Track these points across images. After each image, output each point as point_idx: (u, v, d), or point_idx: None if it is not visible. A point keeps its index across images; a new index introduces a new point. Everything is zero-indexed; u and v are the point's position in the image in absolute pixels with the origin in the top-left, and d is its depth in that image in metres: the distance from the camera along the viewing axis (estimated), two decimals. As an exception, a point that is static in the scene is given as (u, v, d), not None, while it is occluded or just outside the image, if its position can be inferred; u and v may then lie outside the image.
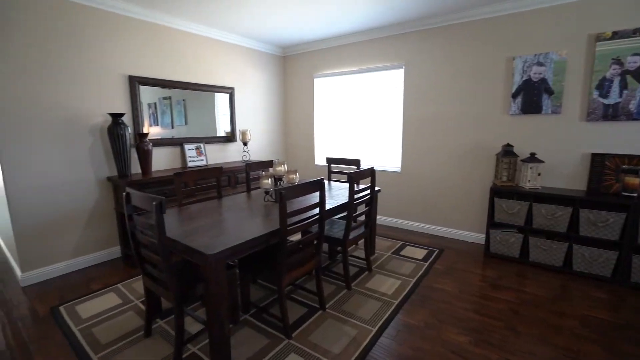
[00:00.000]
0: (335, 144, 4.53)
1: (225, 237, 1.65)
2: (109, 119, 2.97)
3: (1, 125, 2.39)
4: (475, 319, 2.13)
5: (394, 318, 2.13)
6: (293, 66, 4.75)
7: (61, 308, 2.25)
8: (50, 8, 2.55)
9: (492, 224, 3.07)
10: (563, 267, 2.76)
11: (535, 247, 2.83)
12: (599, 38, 2.62)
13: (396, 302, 2.30)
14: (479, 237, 3.45)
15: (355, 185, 2.41)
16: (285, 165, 2.47)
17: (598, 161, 2.70)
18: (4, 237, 3.20)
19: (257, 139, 4.54)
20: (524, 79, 2.96)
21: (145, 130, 3.21)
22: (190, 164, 3.50)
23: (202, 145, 3.64)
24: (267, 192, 2.40)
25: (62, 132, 2.69)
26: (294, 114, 4.89)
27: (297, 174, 2.58)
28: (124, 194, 1.69)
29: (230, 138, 4.07)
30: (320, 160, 4.72)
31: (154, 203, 1.48)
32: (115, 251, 3.12)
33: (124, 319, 2.11)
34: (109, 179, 2.96)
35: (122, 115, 2.84)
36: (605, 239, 2.55)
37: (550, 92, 2.86)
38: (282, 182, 2.51)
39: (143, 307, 2.26)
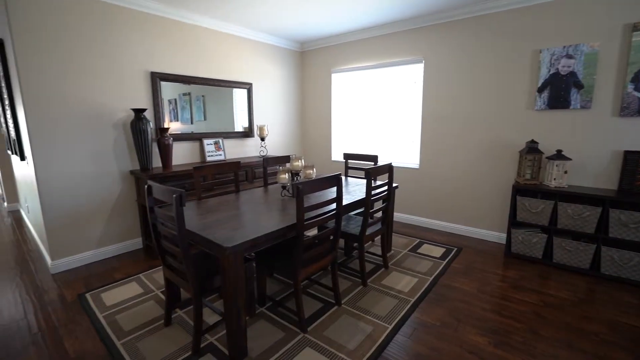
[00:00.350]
0: (352, 140, 4.49)
1: (243, 230, 1.67)
2: (132, 114, 3.05)
3: (34, 120, 2.51)
4: (494, 319, 2.08)
5: (410, 316, 2.10)
6: (310, 61, 4.74)
7: (87, 295, 2.35)
8: (79, 8, 2.64)
9: (514, 223, 2.97)
10: (590, 270, 2.64)
11: (560, 248, 2.72)
12: (636, 28, 2.46)
13: (413, 300, 2.26)
14: (499, 237, 3.35)
15: (372, 181, 2.38)
16: (303, 161, 2.47)
17: (631, 159, 2.55)
18: (36, 227, 3.37)
19: (275, 134, 4.56)
20: (551, 72, 2.83)
21: (165, 125, 3.29)
22: (209, 159, 3.56)
23: (220, 140, 3.70)
24: (284, 187, 2.41)
25: (88, 126, 2.79)
26: (311, 110, 4.88)
27: (314, 169, 2.57)
28: (146, 186, 1.74)
29: (248, 133, 4.11)
30: (337, 156, 4.70)
31: (174, 196, 1.51)
32: (136, 242, 3.22)
33: (145, 307, 2.18)
34: (132, 172, 3.05)
35: (144, 110, 2.92)
36: (638, 242, 2.42)
37: (579, 86, 2.73)
38: (299, 177, 2.51)
39: (163, 297, 2.32)
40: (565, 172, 2.76)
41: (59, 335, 1.96)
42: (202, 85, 3.56)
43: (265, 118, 4.38)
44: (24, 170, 3.32)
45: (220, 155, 3.67)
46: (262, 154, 4.13)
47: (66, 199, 2.74)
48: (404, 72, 3.84)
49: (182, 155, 3.48)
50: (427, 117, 3.69)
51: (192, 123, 3.51)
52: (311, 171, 2.56)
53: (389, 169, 2.55)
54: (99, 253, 2.97)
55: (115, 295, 2.35)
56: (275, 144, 4.58)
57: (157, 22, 3.13)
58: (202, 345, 1.80)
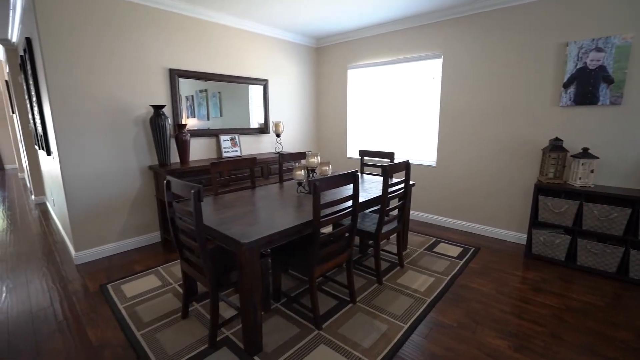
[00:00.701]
0: (367, 137, 4.45)
1: (259, 226, 1.68)
2: (151, 110, 3.11)
3: (59, 117, 2.59)
4: (514, 322, 2.02)
5: (426, 316, 2.07)
6: (326, 57, 4.70)
7: (108, 286, 2.42)
8: (102, 8, 2.70)
9: (535, 223, 2.87)
10: (617, 274, 2.53)
11: (585, 250, 2.62)
12: (673, 19, 2.32)
13: (429, 300, 2.23)
14: (519, 237, 3.25)
15: (389, 178, 2.35)
16: (319, 157, 2.46)
17: (664, 158, 2.42)
18: (61, 219, 3.50)
19: (290, 130, 4.57)
20: (578, 66, 2.71)
21: (183, 122, 3.34)
22: (225, 155, 3.60)
23: (236, 137, 3.73)
24: (300, 184, 2.40)
25: (110, 123, 2.86)
26: (326, 106, 4.85)
27: (330, 165, 2.56)
28: (165, 181, 1.77)
29: (263, 129, 4.13)
30: (352, 152, 4.67)
31: (192, 191, 1.53)
32: (155, 236, 3.30)
33: (163, 300, 2.23)
34: (150, 167, 3.12)
35: (162, 106, 2.97)
36: (670, 245, 2.30)
37: (609, 81, 2.60)
38: (315, 174, 2.51)
39: (181, 290, 2.37)
40: (592, 171, 2.64)
41: (82, 323, 2.03)
42: (219, 82, 3.59)
43: (281, 114, 4.39)
44: (50, 164, 3.45)
45: (236, 151, 3.70)
46: (277, 150, 4.14)
47: (89, 194, 2.82)
48: (421, 68, 3.76)
49: (199, 151, 3.53)
50: (445, 113, 3.61)
51: (208, 119, 3.56)
52: (327, 168, 2.55)
53: (406, 166, 2.50)
54: (120, 246, 3.06)
55: (135, 287, 2.41)
56: (290, 140, 4.59)
57: (175, 19, 3.17)
58: (218, 339, 1.83)
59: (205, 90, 3.50)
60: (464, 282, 2.50)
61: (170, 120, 3.20)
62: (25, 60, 3.49)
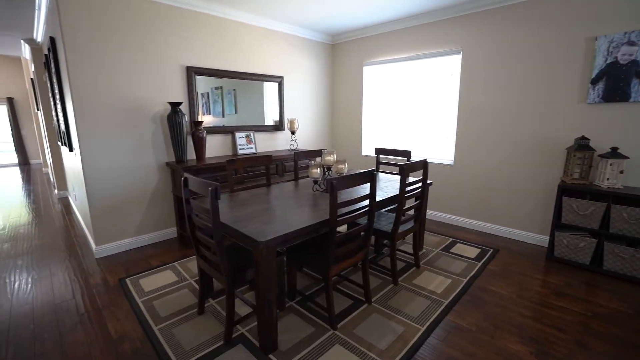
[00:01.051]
0: (383, 134, 4.39)
1: (275, 225, 1.67)
2: (169, 107, 3.15)
3: (81, 114, 2.65)
4: (535, 327, 1.95)
5: (443, 318, 2.02)
6: (342, 54, 4.65)
7: (127, 280, 2.48)
8: (123, 7, 2.74)
9: (558, 225, 2.77)
10: (646, 279, 2.41)
11: (612, 254, 2.50)
12: None
13: (446, 302, 2.18)
14: (540, 239, 3.14)
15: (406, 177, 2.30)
16: (334, 155, 2.43)
17: (702, 159, 2.28)
18: (82, 214, 3.60)
19: (304, 127, 4.55)
20: (608, 61, 2.58)
21: (200, 119, 3.37)
22: (240, 152, 3.62)
23: (251, 134, 3.74)
24: (315, 182, 2.39)
25: (129, 120, 2.91)
26: (341, 103, 4.81)
27: (346, 164, 2.53)
28: (182, 178, 1.78)
29: (278, 127, 4.13)
30: (367, 150, 4.62)
31: (210, 189, 1.53)
32: (171, 232, 3.35)
33: (180, 295, 2.27)
34: (167, 164, 3.17)
35: (180, 104, 3.00)
36: None
37: (642, 77, 2.46)
38: (330, 172, 2.48)
39: (196, 286, 2.40)
40: (621, 171, 2.52)
41: (102, 316, 2.08)
42: (234, 79, 3.60)
43: (296, 111, 4.38)
44: (72, 160, 3.55)
45: (252, 148, 3.72)
46: (292, 147, 4.13)
47: (109, 190, 2.89)
48: (439, 64, 3.67)
49: (214, 148, 3.56)
50: (463, 111, 3.51)
51: (223, 116, 3.58)
52: (343, 166, 2.52)
53: (423, 165, 2.45)
54: (137, 241, 3.12)
55: (153, 281, 2.46)
56: (305, 137, 4.57)
57: (191, 16, 3.19)
58: (233, 336, 1.84)
59: (221, 88, 3.51)
60: (483, 285, 2.44)
61: (187, 118, 3.23)
62: (49, 59, 3.59)
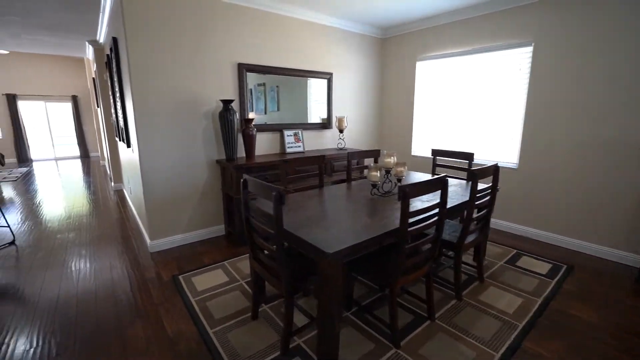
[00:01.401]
0: (436, 134, 4.11)
1: (338, 232, 1.54)
2: (220, 105, 3.15)
3: (140, 113, 2.72)
4: (637, 366, 1.66)
5: (520, 345, 1.79)
6: (393, 49, 4.43)
7: (180, 277, 2.50)
8: (181, 6, 2.76)
9: (654, 243, 2.38)
10: None
11: None
12: None
13: (520, 325, 1.94)
14: (624, 257, 2.74)
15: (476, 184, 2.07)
16: (395, 157, 2.26)
17: None
18: (138, 209, 3.74)
19: (351, 125, 4.40)
20: None
21: (250, 116, 3.34)
22: (288, 150, 3.55)
23: (299, 132, 3.66)
24: (374, 186, 2.23)
25: (182, 117, 2.95)
26: (390, 100, 4.59)
27: (406, 166, 2.35)
28: (242, 180, 1.71)
29: (325, 125, 4.02)
30: (418, 150, 4.36)
31: (274, 194, 1.44)
32: (219, 229, 3.37)
33: (232, 297, 2.23)
34: (217, 161, 3.17)
35: (231, 101, 2.98)
36: None
37: None
38: (389, 176, 2.32)
39: (248, 287, 2.35)
40: None
41: (158, 313, 2.09)
42: (279, 76, 3.49)
43: (343, 109, 4.23)
44: (128, 155, 3.70)
45: (299, 147, 3.64)
46: (339, 146, 4.00)
47: (163, 187, 2.95)
48: (505, 58, 3.33)
49: (261, 145, 3.52)
50: (532, 109, 3.16)
51: (265, 113, 3.51)
52: (402, 169, 2.35)
53: (494, 170, 2.20)
54: (188, 237, 3.17)
55: (205, 280, 2.45)
56: (352, 135, 4.42)
57: (242, 11, 3.15)
58: (290, 346, 1.75)
59: (264, 84, 3.45)
60: (561, 307, 2.15)
61: (237, 115, 3.21)
62: (111, 58, 3.76)
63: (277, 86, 3.56)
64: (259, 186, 1.61)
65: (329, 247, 1.39)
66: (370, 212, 1.87)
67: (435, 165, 3.13)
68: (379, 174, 2.22)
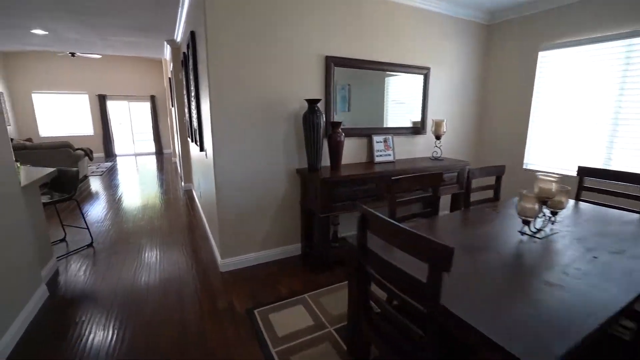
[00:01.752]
0: (562, 143, 3.22)
1: (520, 314, 0.94)
2: (304, 105, 2.71)
3: (217, 113, 2.39)
4: None
5: None
6: (502, 36, 3.61)
7: (256, 312, 2.09)
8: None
9: None
10: None
11: None
12: None
13: None
14: None
15: None
16: (556, 184, 1.57)
17: None
18: (206, 214, 3.50)
19: (447, 130, 3.68)
20: None
21: (337, 119, 2.84)
22: (377, 159, 2.99)
23: (390, 138, 3.08)
24: (526, 222, 1.57)
25: (261, 119, 2.56)
26: (496, 100, 3.77)
27: (568, 194, 1.65)
28: (360, 215, 1.20)
29: (418, 129, 3.38)
30: (534, 162, 3.50)
31: (442, 253, 0.89)
32: (295, 248, 2.94)
33: (322, 352, 1.74)
34: (298, 171, 2.74)
35: (318, 101, 2.52)
36: None
37: None
38: (546, 207, 1.64)
39: (337, 336, 1.86)
40: None
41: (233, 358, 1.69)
42: (359, 71, 2.91)
43: (437, 111, 3.53)
44: (200, 158, 3.47)
45: (390, 155, 3.05)
46: (435, 155, 3.33)
47: (237, 200, 2.60)
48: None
49: (345, 153, 3.00)
50: None
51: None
52: (564, 199, 1.65)
53: None
54: (260, 256, 2.79)
55: (285, 320, 2.01)
56: (447, 142, 3.67)
57: (336, -3, 2.66)
58: None
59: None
60: None
61: (323, 117, 2.74)
62: (187, 55, 3.57)
63: (348, 84, 2.95)
64: (393, 232, 1.07)
65: (534, 355, 0.80)
66: (546, 269, 1.23)
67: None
68: (535, 206, 1.54)
